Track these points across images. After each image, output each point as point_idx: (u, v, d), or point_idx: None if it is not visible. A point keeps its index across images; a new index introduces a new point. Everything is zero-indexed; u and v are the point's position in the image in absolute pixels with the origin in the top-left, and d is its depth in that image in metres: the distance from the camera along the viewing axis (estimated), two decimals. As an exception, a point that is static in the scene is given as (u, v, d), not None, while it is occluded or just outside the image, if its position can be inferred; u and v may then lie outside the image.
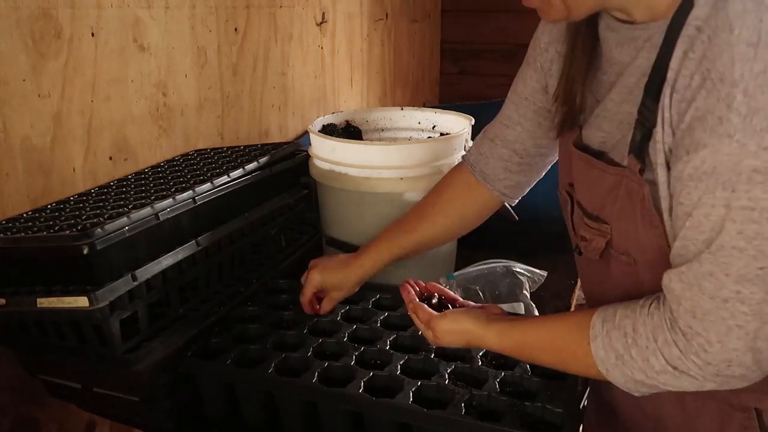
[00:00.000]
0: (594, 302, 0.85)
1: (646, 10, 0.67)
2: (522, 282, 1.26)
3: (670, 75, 0.61)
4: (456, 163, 1.09)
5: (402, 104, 2.54)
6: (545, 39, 0.87)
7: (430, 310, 0.86)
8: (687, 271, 0.61)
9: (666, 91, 0.62)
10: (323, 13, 2.02)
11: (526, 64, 0.92)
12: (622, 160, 0.71)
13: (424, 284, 0.94)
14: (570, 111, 0.80)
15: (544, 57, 0.87)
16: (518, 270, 1.28)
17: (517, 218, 1.40)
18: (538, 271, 1.29)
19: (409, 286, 0.92)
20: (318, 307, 1.06)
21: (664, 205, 0.66)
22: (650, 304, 0.67)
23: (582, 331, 0.70)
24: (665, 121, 0.62)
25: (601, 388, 0.92)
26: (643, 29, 0.68)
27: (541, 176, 1.01)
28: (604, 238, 0.76)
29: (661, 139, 0.63)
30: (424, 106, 1.88)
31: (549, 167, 1.00)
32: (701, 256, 0.60)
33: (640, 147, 0.67)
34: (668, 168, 0.64)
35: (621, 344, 0.67)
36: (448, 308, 0.88)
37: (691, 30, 0.59)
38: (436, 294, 0.92)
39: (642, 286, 0.72)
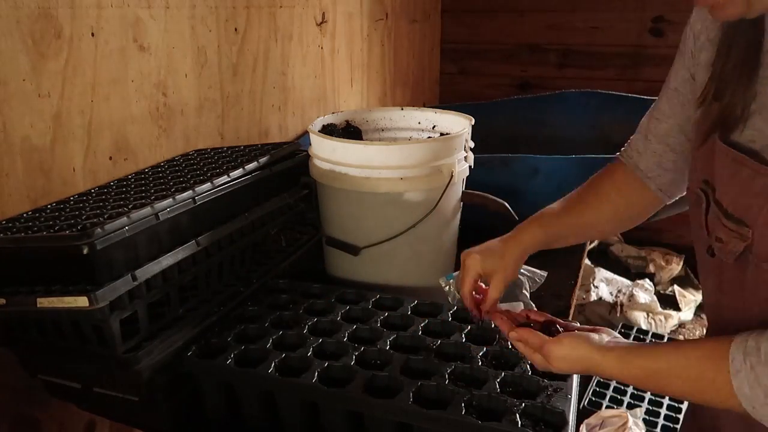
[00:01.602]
0: (719, 313, 0.81)
1: None
2: (522, 282, 1.25)
3: None
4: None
5: (402, 104, 2.54)
6: (698, 26, 0.82)
7: (542, 335, 0.81)
8: None
9: None
10: (323, 13, 2.02)
11: (678, 54, 0.87)
12: None
13: (516, 314, 0.90)
14: (723, 114, 0.75)
15: (695, 45, 0.82)
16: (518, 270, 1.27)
17: (517, 218, 1.40)
18: (538, 271, 1.29)
19: (501, 315, 0.88)
20: (480, 297, 0.97)
21: None
22: None
23: (718, 361, 0.66)
24: None
25: (704, 411, 0.88)
26: None
27: None
28: (744, 242, 0.72)
29: None
30: (424, 106, 1.88)
31: None
32: None
33: None
34: None
35: None
36: (551, 332, 0.83)
37: None
38: (530, 318, 0.88)
39: None
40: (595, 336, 0.78)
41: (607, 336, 0.79)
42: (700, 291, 0.89)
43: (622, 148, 1.00)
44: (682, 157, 0.91)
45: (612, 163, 1.01)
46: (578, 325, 0.85)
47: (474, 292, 0.97)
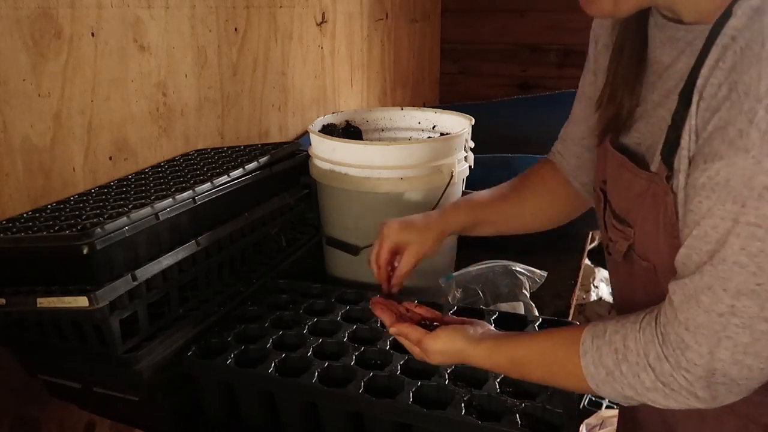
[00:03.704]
0: (620, 304, 0.83)
1: (694, 11, 0.65)
2: (522, 282, 1.26)
3: (700, 82, 0.61)
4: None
5: (402, 104, 2.54)
6: (597, 31, 0.85)
7: (420, 329, 0.83)
8: (689, 282, 0.61)
9: (695, 98, 0.61)
10: (323, 13, 2.02)
11: (587, 58, 0.90)
12: (654, 164, 0.70)
13: (396, 304, 0.91)
14: (614, 117, 0.78)
15: (596, 49, 0.86)
16: (518, 270, 1.28)
17: (517, 218, 1.40)
18: (538, 271, 1.29)
19: (382, 305, 0.88)
20: (392, 273, 0.95)
21: (681, 212, 0.65)
22: (642, 319, 0.66)
23: (572, 346, 0.70)
24: (691, 128, 0.62)
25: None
26: (687, 31, 0.67)
27: None
28: (627, 242, 0.75)
29: (687, 146, 0.63)
30: (424, 106, 1.88)
31: None
32: (703, 268, 0.59)
33: (669, 153, 0.66)
34: (688, 175, 0.63)
35: (611, 360, 0.66)
36: (430, 327, 0.85)
37: (726, 39, 0.58)
38: (410, 310, 0.89)
39: (663, 294, 0.70)
40: (470, 328, 0.81)
41: (482, 328, 0.82)
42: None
43: (550, 149, 1.01)
44: None
45: (540, 161, 1.02)
46: (455, 318, 0.87)
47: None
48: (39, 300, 0.86)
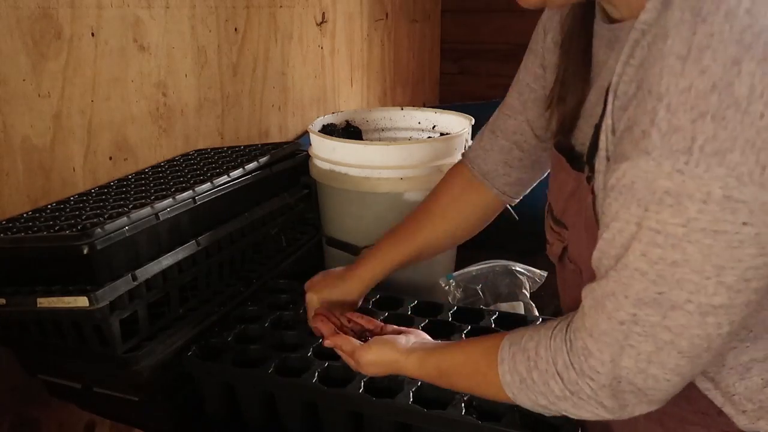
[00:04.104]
0: (564, 308, 0.83)
1: (626, 6, 0.63)
2: (522, 282, 1.26)
3: (614, 80, 0.58)
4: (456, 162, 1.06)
5: (402, 104, 2.54)
6: (547, 24, 0.84)
7: (354, 341, 0.84)
8: (597, 288, 0.59)
9: (610, 96, 0.59)
10: (323, 13, 2.02)
11: (528, 51, 0.88)
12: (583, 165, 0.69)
13: (337, 315, 0.93)
14: (561, 117, 0.76)
15: (545, 44, 0.84)
16: (518, 270, 1.28)
17: (517, 218, 1.40)
18: (538, 271, 1.29)
19: (323, 317, 0.91)
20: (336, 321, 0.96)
21: (599, 214, 0.63)
22: (556, 326, 0.64)
23: (491, 355, 0.68)
24: (607, 128, 0.60)
25: None
26: (619, 27, 0.65)
27: (544, 175, 0.95)
28: (562, 244, 0.74)
29: (604, 146, 0.60)
30: (424, 106, 1.88)
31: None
32: (609, 272, 0.57)
33: (592, 154, 0.64)
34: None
35: (524, 367, 0.65)
36: (364, 337, 0.86)
37: (637, 34, 0.56)
38: (351, 321, 0.92)
39: None
40: (402, 339, 0.81)
41: (416, 338, 0.82)
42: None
43: (468, 147, 0.99)
44: (529, 156, 0.91)
45: (454, 166, 1.01)
46: (394, 327, 0.88)
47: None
48: (39, 300, 0.86)
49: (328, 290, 0.98)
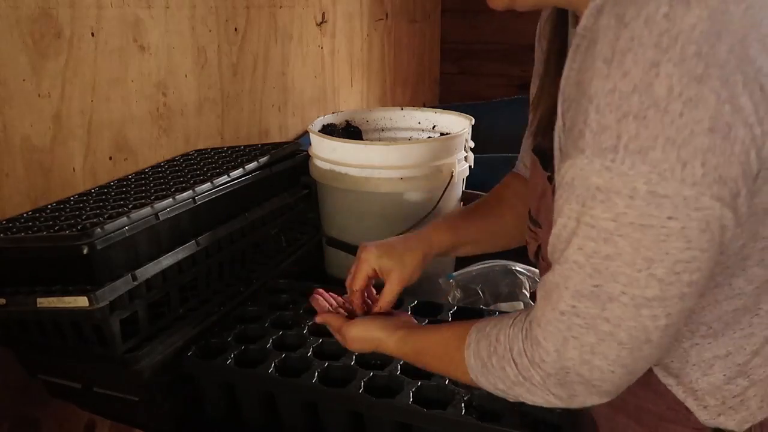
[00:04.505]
0: None
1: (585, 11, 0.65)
2: (522, 281, 1.25)
3: (562, 83, 0.61)
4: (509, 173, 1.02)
5: (402, 104, 2.53)
6: (539, 32, 0.85)
7: (342, 317, 0.86)
8: (546, 280, 0.62)
9: (560, 98, 0.61)
10: (323, 13, 2.02)
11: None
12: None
13: (333, 295, 0.94)
14: (538, 121, 0.78)
15: (540, 52, 0.85)
16: (518, 270, 1.28)
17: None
18: (537, 270, 1.29)
19: (320, 297, 0.92)
20: (371, 301, 0.90)
21: None
22: (517, 316, 0.67)
23: (461, 339, 0.71)
24: (559, 128, 0.62)
25: None
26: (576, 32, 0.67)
27: None
28: (537, 242, 0.76)
29: (558, 146, 0.63)
30: (424, 106, 1.88)
31: None
32: (554, 266, 0.60)
33: (551, 154, 0.66)
34: None
35: (486, 352, 0.67)
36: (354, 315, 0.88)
37: (578, 39, 0.58)
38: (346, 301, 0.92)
39: None
40: (390, 318, 0.84)
41: (401, 319, 0.84)
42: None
43: (516, 163, 1.00)
44: None
45: (510, 174, 1.01)
46: (393, 311, 0.89)
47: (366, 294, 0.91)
48: (39, 300, 0.86)
49: (389, 249, 0.89)
